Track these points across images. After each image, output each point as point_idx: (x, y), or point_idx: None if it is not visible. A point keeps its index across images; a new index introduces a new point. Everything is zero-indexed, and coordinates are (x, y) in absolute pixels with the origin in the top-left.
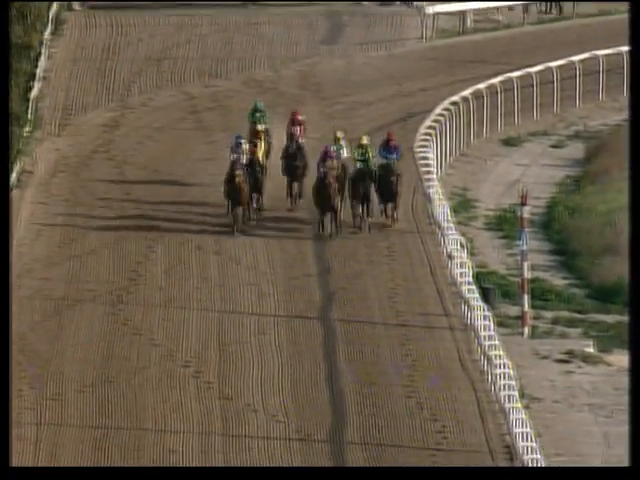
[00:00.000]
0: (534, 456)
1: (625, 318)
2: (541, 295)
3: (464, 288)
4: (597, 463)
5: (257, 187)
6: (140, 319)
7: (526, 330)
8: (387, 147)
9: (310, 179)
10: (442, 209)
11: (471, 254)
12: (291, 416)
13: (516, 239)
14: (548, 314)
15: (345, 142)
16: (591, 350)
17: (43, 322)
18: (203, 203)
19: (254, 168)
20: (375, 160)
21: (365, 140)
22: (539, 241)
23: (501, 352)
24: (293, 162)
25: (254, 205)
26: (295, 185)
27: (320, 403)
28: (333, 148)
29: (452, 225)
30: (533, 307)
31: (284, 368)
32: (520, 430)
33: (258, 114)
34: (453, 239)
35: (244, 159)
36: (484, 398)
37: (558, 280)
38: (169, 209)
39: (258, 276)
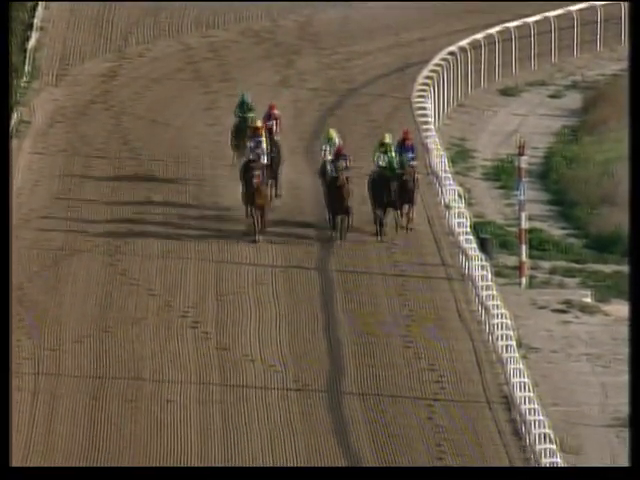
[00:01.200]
0: (531, 406)
1: (623, 268)
2: (539, 245)
3: (462, 238)
4: (594, 413)
5: None
6: (138, 269)
7: (524, 280)
8: (403, 146)
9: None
10: (440, 159)
11: (469, 204)
12: (289, 366)
13: (514, 189)
14: (546, 264)
15: (339, 140)
16: (589, 300)
17: (41, 272)
18: (201, 153)
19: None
20: (397, 160)
21: (387, 139)
22: (537, 191)
23: (499, 302)
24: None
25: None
26: (270, 182)
27: (318, 353)
28: (325, 146)
29: (450, 175)
30: (531, 257)
31: (282, 318)
32: (518, 380)
33: (251, 114)
34: (451, 189)
35: (265, 159)
36: (482, 348)
37: (556, 230)
38: (166, 159)
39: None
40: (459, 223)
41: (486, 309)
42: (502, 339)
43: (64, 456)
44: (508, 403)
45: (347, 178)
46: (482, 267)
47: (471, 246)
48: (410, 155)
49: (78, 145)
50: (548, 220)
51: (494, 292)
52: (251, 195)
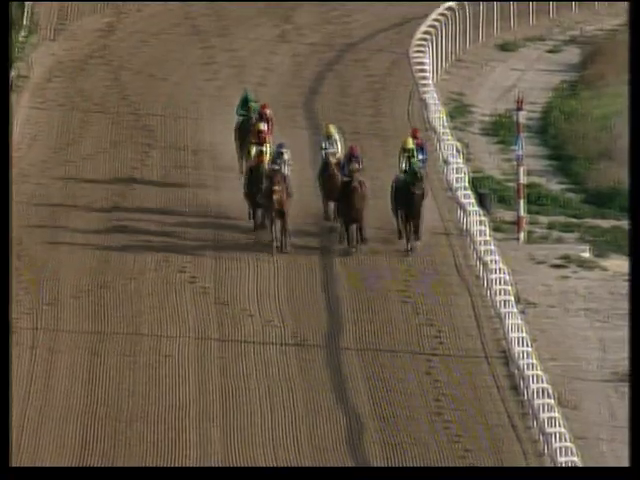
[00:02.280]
0: (530, 361)
1: (621, 223)
2: (537, 200)
3: (460, 193)
4: (593, 368)
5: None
6: (136, 224)
7: (522, 235)
8: None
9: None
10: (438, 114)
11: (467, 159)
12: (287, 321)
13: (512, 144)
14: (544, 219)
15: (339, 136)
16: (587, 255)
17: (39, 227)
18: (199, 108)
19: (260, 179)
20: (421, 166)
21: (410, 143)
22: (535, 146)
23: (497, 257)
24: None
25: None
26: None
27: (316, 308)
28: (324, 144)
29: (448, 130)
30: (529, 212)
31: (280, 273)
32: (516, 335)
33: (254, 112)
34: (449, 144)
35: (287, 170)
36: (480, 303)
37: (554, 185)
38: (164, 114)
39: None
40: (457, 178)
41: (484, 264)
42: (500, 294)
43: (62, 411)
44: (506, 358)
45: (361, 182)
46: (480, 222)
47: (469, 201)
48: (420, 157)
49: (76, 100)
50: (546, 175)
51: (492, 247)
52: (269, 206)
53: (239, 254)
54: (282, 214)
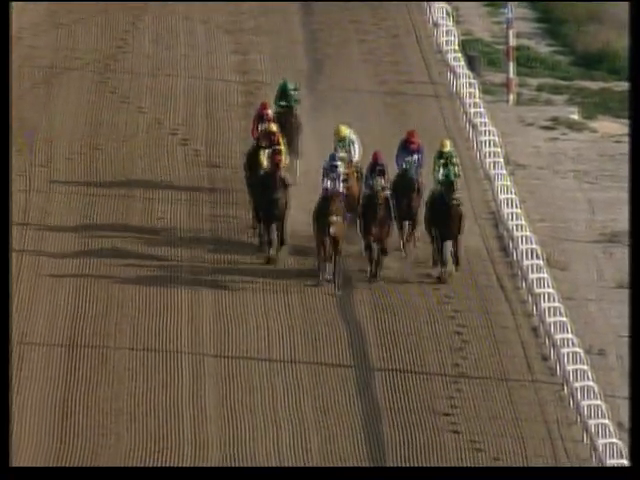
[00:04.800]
0: (519, 222)
1: (609, 84)
2: (526, 62)
3: (450, 56)
4: (581, 229)
5: (280, 214)
6: (128, 87)
7: (511, 97)
8: (406, 149)
9: None
10: None
11: (456, 22)
12: None
13: (501, 7)
14: (533, 81)
15: (355, 137)
16: (576, 117)
17: (32, 90)
18: None
19: (275, 185)
20: (457, 173)
21: (448, 146)
22: (524, 9)
23: (486, 119)
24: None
25: (274, 238)
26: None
27: (310, 178)
28: (337, 146)
29: None
30: (518, 74)
31: None
32: (505, 196)
33: (295, 104)
34: (439, 7)
35: (341, 186)
36: (469, 165)
37: (543, 47)
38: None
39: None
40: (447, 41)
41: (474, 126)
42: (490, 156)
43: (55, 270)
44: (495, 219)
45: (386, 199)
46: (470, 84)
47: (459, 64)
48: (415, 161)
49: None
50: (535, 37)
51: (482, 109)
52: (323, 234)
53: (230, 115)
54: (338, 247)
